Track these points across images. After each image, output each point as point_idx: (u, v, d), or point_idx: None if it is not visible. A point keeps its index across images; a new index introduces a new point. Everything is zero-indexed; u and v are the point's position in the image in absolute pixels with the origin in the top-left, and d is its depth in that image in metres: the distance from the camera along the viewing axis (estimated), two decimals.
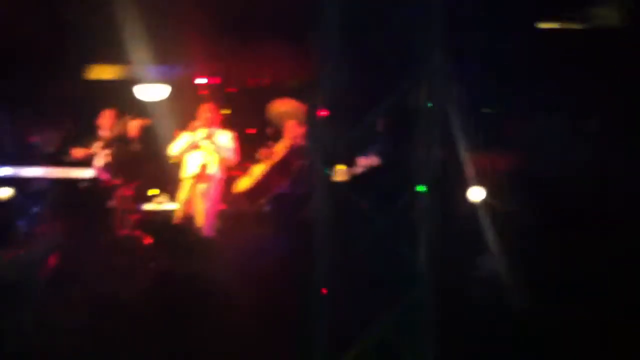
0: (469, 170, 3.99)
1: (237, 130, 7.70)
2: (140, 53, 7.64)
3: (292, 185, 7.38)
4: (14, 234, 6.80)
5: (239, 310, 4.19)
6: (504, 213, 4.13)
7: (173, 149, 7.44)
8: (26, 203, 7.19)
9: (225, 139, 7.45)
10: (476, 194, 4.20)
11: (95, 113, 7.81)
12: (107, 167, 7.51)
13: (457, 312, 3.71)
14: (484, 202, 4.18)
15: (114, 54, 7.89)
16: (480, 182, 4.22)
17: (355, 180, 3.98)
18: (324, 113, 3.55)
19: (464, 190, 4.14)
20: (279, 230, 7.13)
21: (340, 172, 3.81)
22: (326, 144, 3.49)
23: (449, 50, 3.35)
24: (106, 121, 7.72)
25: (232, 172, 7.72)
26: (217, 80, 8.71)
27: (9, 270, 4.73)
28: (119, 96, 8.23)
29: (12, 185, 7.11)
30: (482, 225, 4.09)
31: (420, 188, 3.33)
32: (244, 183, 7.58)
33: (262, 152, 7.54)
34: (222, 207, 7.72)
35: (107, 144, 7.61)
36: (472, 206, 4.17)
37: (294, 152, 7.39)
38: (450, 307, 3.62)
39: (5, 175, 7.09)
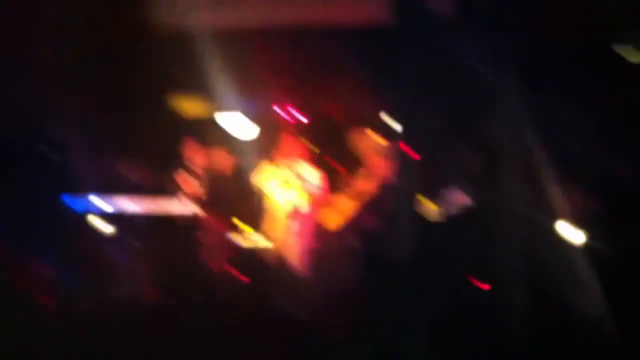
0: (560, 206, 3.85)
1: (326, 167, 7.73)
2: (230, 89, 7.84)
3: (381, 222, 7.32)
4: (112, 269, 7.00)
5: (328, 348, 4.18)
6: (598, 251, 3.96)
7: (262, 192, 7.54)
8: (122, 235, 7.42)
9: (313, 175, 7.50)
10: (568, 231, 4.05)
11: (188, 150, 8.02)
12: (200, 203, 7.68)
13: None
14: (578, 240, 4.02)
15: (204, 90, 8.12)
16: (572, 219, 4.06)
17: (445, 218, 3.90)
18: (412, 152, 3.54)
19: (554, 228, 4.00)
20: (368, 267, 7.08)
21: (430, 210, 3.77)
22: (416, 182, 3.46)
23: (529, 88, 3.27)
24: (199, 158, 7.91)
25: (321, 209, 7.73)
26: (306, 117, 8.80)
27: (110, 305, 4.87)
28: (210, 133, 8.43)
29: (108, 218, 7.35)
30: (576, 264, 3.92)
31: (508, 230, 3.23)
32: (333, 220, 7.57)
33: (346, 182, 7.53)
34: (312, 244, 7.73)
35: (198, 179, 7.79)
36: (565, 245, 4.01)
37: (383, 189, 7.33)
38: (550, 349, 3.47)
39: (102, 211, 7.34)
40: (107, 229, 7.22)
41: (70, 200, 7.25)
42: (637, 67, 5.05)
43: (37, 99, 7.41)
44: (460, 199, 5.79)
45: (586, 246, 4.06)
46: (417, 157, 3.55)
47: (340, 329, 4.48)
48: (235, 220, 8.09)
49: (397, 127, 3.62)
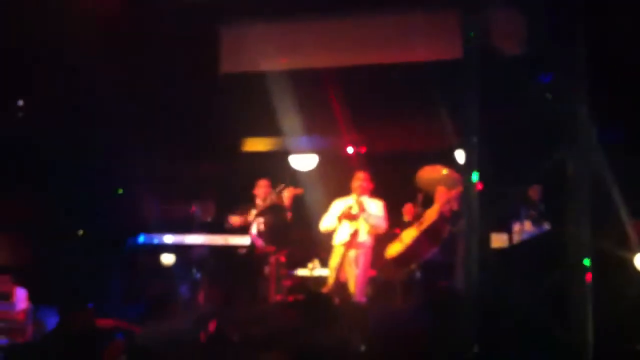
0: (634, 238, 3.79)
1: (385, 197, 7.75)
2: (291, 125, 7.96)
3: (443, 251, 7.29)
4: (174, 300, 7.09)
5: None
6: None
7: (324, 223, 7.58)
8: (186, 270, 7.53)
9: (376, 207, 7.52)
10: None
11: (250, 183, 8.15)
12: (261, 234, 7.76)
13: None
14: None
15: (267, 127, 8.26)
16: None
17: (510, 249, 3.88)
18: (478, 182, 3.52)
19: (626, 262, 3.93)
20: (429, 297, 7.03)
21: (495, 239, 3.74)
22: (481, 211, 3.45)
23: (595, 114, 3.25)
24: (261, 190, 8.02)
25: (382, 239, 7.74)
26: (366, 148, 8.86)
27: (166, 337, 4.91)
28: (272, 166, 8.56)
29: (173, 253, 7.46)
30: None
31: (586, 262, 3.19)
32: (394, 249, 7.56)
33: (407, 210, 7.52)
34: (373, 273, 7.73)
35: (262, 212, 7.88)
36: (638, 276, 3.93)
37: (444, 218, 7.31)
38: None
39: (167, 243, 7.46)
40: (175, 263, 7.33)
41: (142, 238, 7.40)
42: None
43: (115, 145, 7.63)
44: (528, 230, 5.76)
45: None
46: (480, 187, 3.54)
47: (390, 356, 4.45)
48: (297, 251, 8.17)
49: (463, 159, 3.62)
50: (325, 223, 7.58)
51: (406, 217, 7.53)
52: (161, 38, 7.24)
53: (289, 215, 7.90)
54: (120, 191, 8.63)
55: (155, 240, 7.41)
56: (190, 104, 7.96)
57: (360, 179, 7.57)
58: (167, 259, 7.36)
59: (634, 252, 3.91)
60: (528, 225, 5.92)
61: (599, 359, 3.21)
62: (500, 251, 3.86)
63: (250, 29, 7.65)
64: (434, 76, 6.52)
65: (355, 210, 7.43)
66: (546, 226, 4.93)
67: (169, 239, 7.44)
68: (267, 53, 7.49)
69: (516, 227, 5.78)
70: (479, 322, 3.37)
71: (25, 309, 6.86)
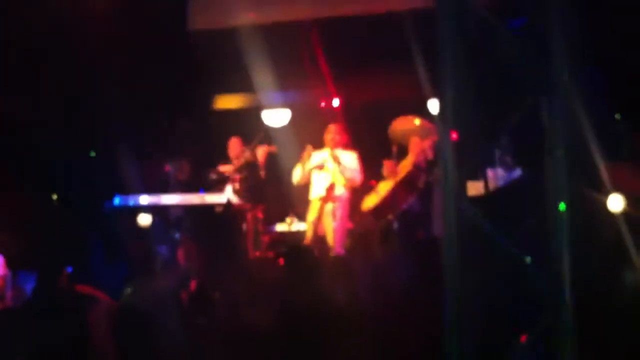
0: (606, 181, 3.85)
1: (360, 149, 7.77)
2: (264, 80, 7.89)
3: (419, 201, 7.35)
4: (154, 260, 7.10)
5: (370, 332, 4.19)
6: None
7: (294, 177, 7.59)
8: (164, 230, 7.52)
9: (350, 159, 7.53)
10: (615, 204, 4.04)
11: (224, 141, 8.11)
12: (237, 192, 7.76)
13: (599, 335, 3.55)
14: (624, 212, 4.01)
15: (240, 83, 8.19)
16: (618, 192, 4.05)
17: (486, 195, 3.90)
18: (453, 132, 3.53)
19: (601, 203, 3.99)
20: (407, 247, 7.11)
21: (471, 187, 3.76)
22: (456, 160, 3.46)
23: (571, 60, 3.26)
24: (235, 148, 7.99)
25: (358, 191, 7.78)
26: (340, 101, 8.83)
27: (148, 298, 4.92)
28: (245, 123, 8.51)
29: (150, 213, 7.43)
30: (623, 237, 3.92)
31: (562, 207, 3.23)
32: (370, 201, 7.61)
33: (386, 166, 7.56)
34: (350, 225, 7.78)
35: (237, 170, 7.87)
36: (612, 218, 4.00)
37: (419, 168, 7.36)
38: (592, 330, 3.47)
39: (143, 204, 7.43)
40: (153, 223, 7.31)
41: (118, 200, 7.36)
42: None
43: (87, 106, 7.53)
44: (502, 176, 5.80)
45: (632, 218, 4.05)
46: (455, 137, 3.55)
47: (378, 310, 4.49)
48: (274, 206, 8.19)
49: (437, 108, 3.62)
50: (296, 175, 7.59)
51: (385, 173, 7.56)
52: None
53: (262, 173, 7.91)
54: (93, 154, 8.54)
55: (131, 202, 7.38)
56: (160, 63, 7.84)
57: (332, 131, 7.57)
58: (145, 219, 7.33)
59: (607, 194, 3.98)
60: (501, 172, 5.98)
61: (576, 299, 3.28)
62: (477, 199, 3.89)
63: None
64: (407, 26, 6.48)
65: (329, 163, 7.45)
66: (519, 172, 4.98)
67: (144, 199, 7.41)
68: (236, 7, 7.37)
69: (490, 173, 5.82)
70: (458, 270, 3.41)
71: (3, 275, 6.83)
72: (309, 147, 7.52)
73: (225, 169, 7.93)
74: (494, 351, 3.34)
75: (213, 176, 7.88)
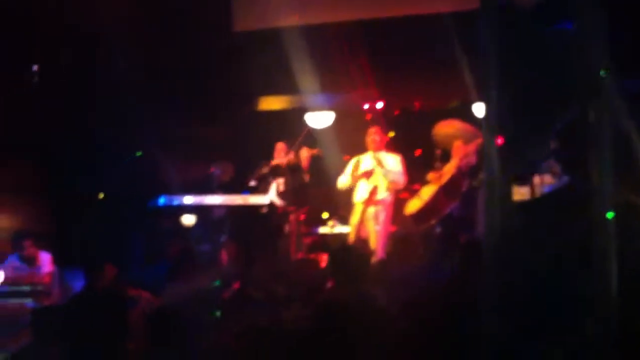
0: None
1: (404, 153, 7.74)
2: (307, 82, 7.91)
3: (462, 206, 7.29)
4: (196, 260, 7.17)
5: (410, 335, 4.16)
6: None
7: (341, 181, 7.58)
8: (207, 230, 7.59)
9: (393, 162, 7.50)
10: None
11: (267, 142, 8.15)
12: (281, 193, 7.79)
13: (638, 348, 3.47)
14: None
15: (283, 85, 8.22)
16: None
17: (531, 201, 3.86)
18: (497, 135, 3.48)
19: None
20: (450, 251, 7.05)
21: (516, 192, 3.72)
22: (501, 165, 3.42)
23: (617, 64, 3.20)
24: (278, 150, 8.03)
25: (401, 195, 7.75)
26: (383, 104, 8.81)
27: (189, 297, 4.96)
28: (289, 125, 8.55)
29: (195, 214, 7.51)
30: None
31: (610, 215, 3.16)
32: (413, 205, 7.57)
33: (431, 174, 7.52)
34: (393, 229, 7.75)
35: (281, 172, 7.90)
36: None
37: (462, 172, 7.30)
38: (630, 341, 3.39)
39: (187, 204, 7.51)
40: (196, 223, 7.38)
41: (163, 200, 7.45)
42: None
43: (133, 108, 7.64)
44: (548, 182, 5.73)
45: None
46: (501, 141, 3.50)
47: (419, 313, 4.46)
48: (317, 208, 8.20)
49: (482, 112, 3.59)
50: (342, 181, 7.58)
51: (430, 177, 7.52)
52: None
53: (306, 176, 7.92)
54: (139, 154, 8.67)
55: (176, 202, 7.46)
56: (205, 64, 7.92)
57: (375, 134, 7.55)
58: (188, 219, 7.41)
59: None
60: (548, 178, 5.90)
61: (623, 309, 3.21)
62: (522, 204, 3.84)
63: None
64: (452, 28, 6.43)
65: (373, 166, 7.43)
66: (566, 178, 4.90)
67: (188, 200, 7.49)
68: (280, 9, 7.40)
69: (536, 179, 5.75)
70: (501, 276, 3.37)
71: (51, 272, 6.95)
72: (357, 159, 7.51)
73: (277, 161, 7.90)
74: (533, 357, 3.29)
75: (264, 170, 7.88)
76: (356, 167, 7.53)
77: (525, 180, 5.34)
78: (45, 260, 6.98)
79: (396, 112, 8.92)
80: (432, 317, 4.22)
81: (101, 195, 8.36)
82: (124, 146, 8.27)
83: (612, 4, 3.16)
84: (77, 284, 6.61)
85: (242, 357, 4.12)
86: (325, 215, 8.34)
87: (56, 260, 7.03)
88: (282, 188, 7.82)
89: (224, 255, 7.48)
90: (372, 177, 7.44)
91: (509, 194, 3.52)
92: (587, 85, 3.29)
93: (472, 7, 3.56)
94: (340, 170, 7.65)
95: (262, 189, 7.84)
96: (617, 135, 3.34)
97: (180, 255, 6.42)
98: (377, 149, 7.51)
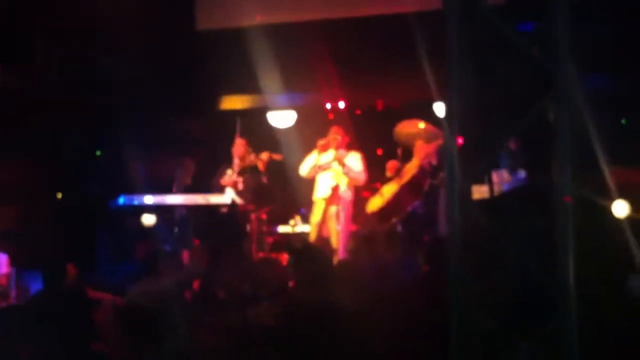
0: (612, 186, 3.86)
1: (366, 151, 7.78)
2: (270, 81, 7.90)
3: (425, 204, 7.36)
4: (158, 260, 7.11)
5: (373, 333, 4.19)
6: None
7: (303, 169, 7.61)
8: (169, 230, 7.54)
9: (354, 160, 7.55)
10: (620, 209, 4.04)
11: (229, 141, 8.13)
12: (241, 193, 7.77)
13: (600, 341, 3.55)
14: (629, 217, 4.02)
15: (244, 84, 8.20)
16: (624, 197, 4.06)
17: (491, 199, 3.91)
18: (458, 135, 3.53)
19: (606, 207, 3.99)
20: (412, 249, 7.11)
21: (476, 191, 3.76)
22: (461, 164, 3.46)
23: (578, 64, 3.27)
24: (239, 149, 8.00)
25: (362, 193, 7.80)
26: (345, 104, 8.85)
27: (152, 297, 4.92)
28: (251, 124, 8.53)
29: (155, 213, 7.45)
30: (628, 242, 3.92)
31: (568, 209, 3.22)
32: (375, 203, 7.62)
33: (389, 166, 7.57)
34: (354, 228, 7.79)
35: (241, 171, 7.88)
36: (617, 222, 4.01)
37: (424, 171, 7.37)
38: (593, 335, 3.47)
39: (148, 204, 7.45)
40: (158, 223, 7.33)
41: (123, 199, 7.38)
42: None
43: (93, 106, 7.55)
44: (507, 180, 5.82)
45: (637, 223, 4.05)
46: (461, 141, 3.55)
47: (382, 311, 4.49)
48: (278, 208, 8.19)
49: (443, 112, 3.63)
50: (303, 169, 7.59)
51: (389, 173, 7.58)
52: None
53: (264, 178, 7.91)
54: (99, 153, 8.57)
55: (136, 202, 7.39)
56: (168, 62, 7.86)
57: (337, 133, 7.59)
58: (149, 219, 7.35)
59: (613, 199, 3.98)
60: (507, 176, 6.00)
61: (581, 300, 3.28)
62: (482, 202, 3.90)
63: None
64: (414, 28, 6.48)
65: (333, 164, 7.47)
66: (524, 176, 5.00)
67: (149, 199, 7.43)
68: (243, 8, 7.37)
69: (495, 177, 5.84)
70: (463, 272, 3.42)
71: (7, 274, 6.85)
72: (322, 140, 7.54)
73: (226, 181, 7.88)
74: (496, 354, 3.34)
75: (219, 181, 7.87)
76: (317, 159, 7.56)
77: (485, 178, 5.41)
78: (2, 261, 6.87)
79: (358, 111, 8.96)
80: (398, 315, 4.26)
81: (60, 195, 8.24)
82: (85, 145, 8.17)
83: (574, 2, 3.23)
84: (34, 285, 6.52)
85: (210, 356, 4.10)
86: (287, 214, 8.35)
87: (13, 262, 6.92)
88: (241, 187, 7.80)
89: (187, 255, 7.44)
90: (333, 176, 7.48)
91: (469, 192, 3.56)
92: (548, 84, 3.35)
93: (435, 6, 3.60)
94: (302, 169, 7.66)
95: (223, 188, 7.81)
96: (577, 133, 3.41)
97: (145, 255, 6.37)
98: (338, 147, 7.54)
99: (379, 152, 8.36)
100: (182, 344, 4.28)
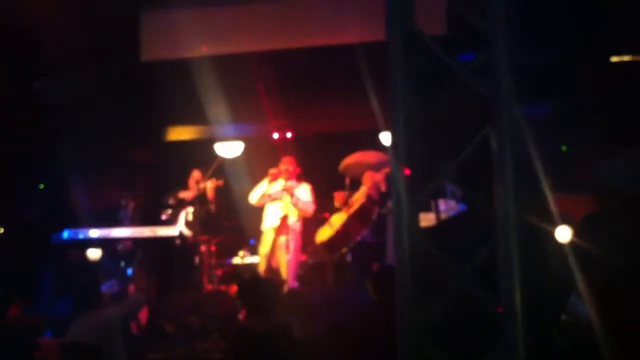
0: (554, 212, 3.93)
1: (314, 181, 7.80)
2: (216, 112, 7.88)
3: (373, 233, 7.39)
4: (102, 294, 6.99)
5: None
6: (592, 255, 4.03)
7: (252, 197, 7.59)
8: (114, 263, 7.40)
9: (304, 191, 7.56)
10: (563, 234, 4.12)
11: (177, 172, 8.06)
12: (189, 223, 7.70)
13: None
14: (571, 243, 4.10)
15: (192, 115, 8.16)
16: (566, 223, 4.15)
17: (437, 226, 3.96)
18: (404, 163, 3.56)
19: (549, 233, 4.07)
20: (362, 278, 7.13)
21: (423, 219, 3.80)
22: (404, 191, 3.50)
23: (518, 92, 3.35)
24: (193, 177, 7.95)
25: (311, 223, 7.79)
26: (292, 134, 8.88)
27: (95, 331, 4.83)
28: (199, 155, 8.48)
29: (100, 247, 7.32)
30: (570, 268, 4.00)
31: (512, 236, 3.27)
32: (324, 233, 7.62)
33: (337, 197, 7.60)
34: (304, 258, 7.78)
35: (189, 203, 7.82)
36: (560, 248, 4.09)
37: (372, 200, 7.42)
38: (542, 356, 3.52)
39: (93, 237, 7.32)
40: (103, 256, 7.20)
41: (67, 233, 7.24)
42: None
43: (36, 137, 7.40)
44: (453, 208, 5.90)
45: (579, 249, 4.13)
46: (407, 171, 3.59)
47: (333, 341, 4.49)
48: (227, 239, 8.14)
49: (388, 141, 3.67)
50: (252, 197, 7.56)
51: (337, 203, 7.60)
52: (80, 25, 7.02)
53: (212, 206, 7.86)
54: (42, 186, 8.40)
55: (81, 235, 7.26)
56: (113, 93, 7.78)
57: (285, 163, 7.60)
58: (94, 253, 7.21)
59: (556, 225, 4.06)
60: (452, 204, 6.08)
61: (527, 324, 3.32)
62: (429, 230, 3.94)
63: (169, 15, 7.52)
64: (361, 58, 6.56)
65: (282, 194, 7.46)
66: (465, 205, 5.06)
67: (94, 232, 7.31)
68: (188, 39, 7.37)
69: (442, 205, 5.92)
70: (411, 300, 3.43)
71: None
72: (273, 169, 7.53)
73: (184, 194, 7.84)
74: None
75: (170, 201, 7.79)
76: (268, 188, 7.54)
77: (432, 206, 5.48)
78: None
79: (306, 141, 9.00)
80: (348, 343, 4.26)
81: (1, 229, 8.03)
82: (28, 177, 8.00)
83: (515, 30, 3.31)
84: None
85: None
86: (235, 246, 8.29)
87: None
88: (190, 218, 7.73)
89: (133, 288, 7.31)
90: (282, 206, 7.47)
91: (416, 220, 3.59)
92: (490, 112, 3.41)
93: (379, 37, 3.65)
94: (251, 199, 7.64)
95: (171, 219, 7.73)
96: (519, 159, 3.47)
97: (85, 289, 6.23)
98: (290, 177, 7.55)
99: (327, 182, 8.39)
100: None
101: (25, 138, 7.64)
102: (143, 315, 5.74)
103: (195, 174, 7.94)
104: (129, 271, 7.38)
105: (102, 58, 7.40)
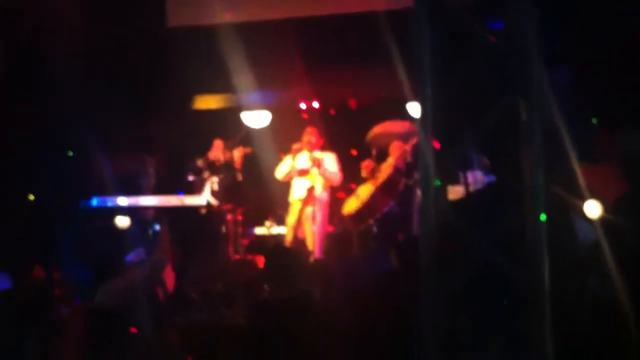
0: (583, 184, 3.86)
1: (341, 151, 7.76)
2: (243, 80, 7.85)
3: (399, 205, 7.35)
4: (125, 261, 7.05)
5: (346, 333, 4.18)
6: (622, 230, 3.95)
7: (279, 173, 7.58)
8: (141, 231, 7.46)
9: (330, 161, 7.52)
10: (592, 209, 4.04)
11: (202, 141, 8.06)
12: (215, 193, 7.71)
13: (570, 341, 3.55)
14: (601, 218, 4.02)
15: (218, 84, 8.14)
16: (594, 197, 4.07)
17: (464, 199, 3.90)
18: (432, 134, 3.51)
19: (577, 209, 4.00)
20: (387, 249, 7.10)
21: (451, 192, 3.76)
22: (432, 162, 3.45)
23: (545, 61, 3.27)
24: (216, 147, 7.94)
25: (338, 194, 7.77)
26: (319, 104, 8.82)
27: (121, 297, 4.87)
28: (224, 124, 8.47)
29: (128, 215, 7.37)
30: (599, 244, 3.93)
31: (540, 206, 3.21)
32: (351, 205, 7.60)
33: (365, 166, 7.55)
34: (330, 229, 7.77)
35: (216, 172, 7.82)
36: (589, 222, 4.01)
37: (399, 171, 7.36)
38: (562, 335, 3.47)
39: (121, 205, 7.37)
40: (131, 226, 7.25)
41: (96, 201, 7.30)
42: None
43: (64, 106, 7.44)
44: (481, 179, 5.81)
45: (607, 224, 4.06)
46: (436, 144, 3.55)
47: (355, 311, 4.49)
48: (254, 209, 8.15)
49: (417, 111, 3.61)
50: (279, 172, 7.56)
51: (364, 172, 7.56)
52: None
53: (239, 175, 7.85)
54: (71, 154, 8.45)
55: (109, 203, 7.31)
56: (139, 61, 7.77)
57: (310, 133, 7.56)
58: (122, 221, 7.27)
59: (585, 197, 3.99)
60: (480, 175, 5.99)
61: (554, 298, 3.28)
62: (456, 202, 3.89)
63: None
64: (387, 27, 6.47)
65: (309, 165, 7.43)
66: (494, 177, 4.98)
67: (122, 201, 7.35)
68: (214, 6, 7.32)
69: (470, 177, 5.83)
70: (438, 272, 3.41)
71: None
72: (296, 144, 7.51)
73: (214, 156, 7.80)
74: (468, 351, 3.33)
75: (199, 163, 7.77)
76: (293, 163, 7.52)
77: (459, 178, 5.40)
78: None
79: (332, 111, 8.94)
80: (372, 314, 4.25)
81: (32, 197, 8.11)
82: (56, 146, 8.05)
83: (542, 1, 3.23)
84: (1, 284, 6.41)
85: (182, 356, 4.07)
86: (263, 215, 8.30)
87: None
88: (216, 187, 7.73)
89: (159, 255, 7.37)
90: (309, 177, 7.45)
91: (444, 192, 3.56)
92: (519, 83, 3.34)
93: (407, 5, 3.59)
94: (278, 170, 7.62)
95: (197, 188, 7.74)
96: (548, 132, 3.41)
97: (113, 256, 6.30)
98: (313, 148, 7.52)
99: (354, 152, 8.34)
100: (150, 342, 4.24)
101: (57, 105, 7.69)
102: (169, 281, 5.78)
103: (218, 143, 7.92)
104: (157, 239, 7.44)
105: (128, 24, 7.39)
